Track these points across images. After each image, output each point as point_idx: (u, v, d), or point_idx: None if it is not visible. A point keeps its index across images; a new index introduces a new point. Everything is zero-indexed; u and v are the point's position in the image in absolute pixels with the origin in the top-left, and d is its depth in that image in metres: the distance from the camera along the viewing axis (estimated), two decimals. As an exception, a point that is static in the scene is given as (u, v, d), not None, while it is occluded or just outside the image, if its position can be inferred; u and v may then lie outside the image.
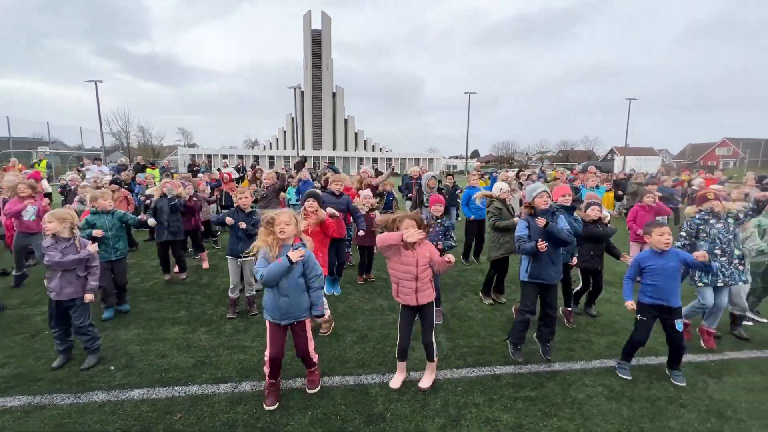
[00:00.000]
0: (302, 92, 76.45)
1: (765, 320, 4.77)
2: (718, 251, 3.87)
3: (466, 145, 51.36)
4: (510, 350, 3.72)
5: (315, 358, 3.16)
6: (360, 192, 5.90)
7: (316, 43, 76.71)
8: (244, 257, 4.25)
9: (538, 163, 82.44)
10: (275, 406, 2.93)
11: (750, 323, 4.66)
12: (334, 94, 78.99)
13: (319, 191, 4.52)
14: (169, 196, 5.53)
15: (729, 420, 2.91)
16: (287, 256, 2.75)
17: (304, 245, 2.90)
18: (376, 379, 3.35)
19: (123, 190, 7.50)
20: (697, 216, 4.03)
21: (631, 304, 3.39)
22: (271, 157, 68.12)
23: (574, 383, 3.34)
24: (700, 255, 3.23)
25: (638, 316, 3.42)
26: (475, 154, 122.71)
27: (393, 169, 12.06)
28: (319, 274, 2.96)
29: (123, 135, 53.23)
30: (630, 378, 3.40)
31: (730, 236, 3.91)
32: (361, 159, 71.55)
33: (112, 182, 7.36)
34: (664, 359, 3.60)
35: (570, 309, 4.59)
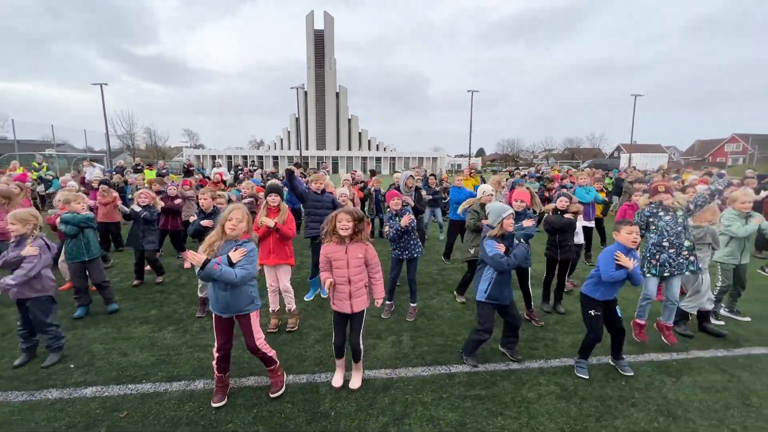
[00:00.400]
0: (306, 92, 76.72)
1: (747, 318, 4.69)
2: (666, 243, 3.88)
3: (469, 144, 50.88)
4: (464, 358, 3.64)
5: (271, 353, 3.09)
6: (337, 189, 5.89)
7: (319, 43, 76.92)
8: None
9: (543, 161, 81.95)
10: (221, 403, 2.95)
11: (722, 323, 4.59)
12: (337, 94, 79.16)
13: (280, 185, 4.53)
14: (139, 208, 5.53)
15: (678, 420, 2.87)
16: (228, 255, 2.77)
17: (248, 241, 2.91)
18: (330, 378, 3.35)
19: (114, 194, 7.39)
20: (647, 209, 4.08)
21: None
22: (275, 158, 68.55)
23: (528, 382, 3.32)
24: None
25: (592, 312, 3.40)
26: (481, 153, 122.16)
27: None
28: (248, 266, 2.83)
29: (127, 137, 53.89)
30: (587, 377, 3.37)
31: (679, 228, 3.89)
32: (364, 158, 71.70)
33: (101, 183, 7.41)
34: (632, 357, 3.59)
35: (532, 311, 4.57)
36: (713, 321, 4.60)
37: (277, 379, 3.13)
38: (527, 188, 4.59)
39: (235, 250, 2.82)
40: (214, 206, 4.68)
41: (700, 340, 4.14)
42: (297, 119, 76.47)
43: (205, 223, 4.49)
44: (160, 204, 5.97)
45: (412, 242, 4.57)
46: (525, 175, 12.80)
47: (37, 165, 14.86)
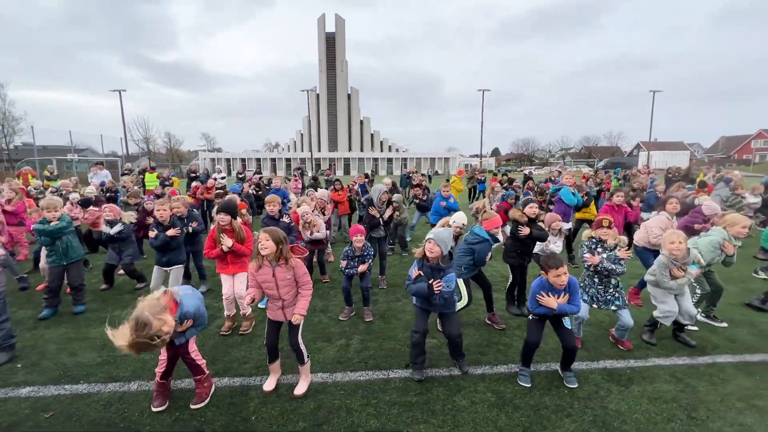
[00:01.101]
0: (317, 95, 77.40)
1: (724, 324, 4.43)
2: (596, 279, 3.82)
3: (480, 144, 50.32)
4: (411, 371, 3.44)
5: (201, 362, 3.07)
6: (299, 209, 5.70)
7: (330, 45, 77.50)
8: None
9: (559, 161, 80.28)
10: (162, 408, 2.93)
11: (695, 328, 4.34)
12: (349, 96, 79.56)
13: (231, 203, 4.40)
14: (109, 229, 5.34)
15: (611, 432, 2.71)
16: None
17: None
18: (264, 381, 3.32)
19: (93, 210, 7.00)
20: (586, 242, 3.96)
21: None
22: (288, 160, 69.38)
23: (465, 389, 3.21)
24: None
25: (530, 317, 3.28)
26: (496, 152, 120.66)
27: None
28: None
29: (143, 141, 55.64)
30: (529, 385, 3.24)
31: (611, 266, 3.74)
32: (376, 159, 71.82)
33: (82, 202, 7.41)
34: (584, 365, 3.45)
35: (494, 313, 4.43)
36: (689, 327, 4.37)
37: (202, 391, 3.07)
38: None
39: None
40: (172, 216, 4.72)
41: (665, 347, 3.92)
42: (309, 121, 77.30)
43: (171, 233, 4.54)
44: (130, 218, 5.65)
45: (365, 253, 4.62)
46: (513, 180, 12.26)
47: (49, 173, 15.36)
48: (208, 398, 3.07)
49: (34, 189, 11.65)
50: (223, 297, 4.28)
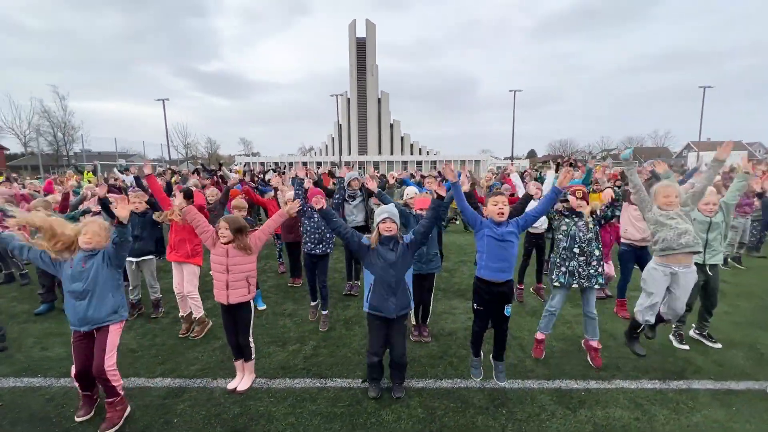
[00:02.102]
0: (348, 99, 78.63)
1: (718, 345, 3.98)
2: (576, 250, 3.47)
3: (512, 146, 48.95)
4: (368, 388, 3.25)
5: (117, 383, 2.84)
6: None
7: (361, 50, 78.49)
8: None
9: (600, 162, 76.18)
10: (86, 417, 2.91)
11: (686, 347, 3.93)
12: (379, 100, 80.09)
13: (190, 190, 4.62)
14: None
15: (535, 460, 2.49)
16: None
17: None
18: (203, 384, 3.36)
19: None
20: (555, 211, 3.68)
21: None
22: (319, 163, 70.82)
23: (396, 403, 3.07)
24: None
25: (475, 306, 3.18)
26: (532, 154, 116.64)
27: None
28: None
29: (182, 147, 58.99)
30: (479, 378, 3.20)
31: (591, 235, 3.47)
32: (405, 162, 71.66)
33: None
34: (537, 383, 3.24)
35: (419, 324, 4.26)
36: (677, 345, 3.97)
37: (114, 415, 2.81)
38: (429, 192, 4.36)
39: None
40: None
41: (638, 369, 3.56)
42: (340, 125, 78.62)
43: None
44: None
45: (327, 235, 4.50)
46: (497, 174, 12.02)
47: (86, 175, 16.65)
48: (121, 422, 2.83)
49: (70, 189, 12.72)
50: (175, 294, 4.39)
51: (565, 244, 3.53)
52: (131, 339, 4.24)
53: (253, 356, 3.34)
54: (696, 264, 3.60)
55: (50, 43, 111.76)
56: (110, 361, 2.83)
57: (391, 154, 78.72)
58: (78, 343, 2.89)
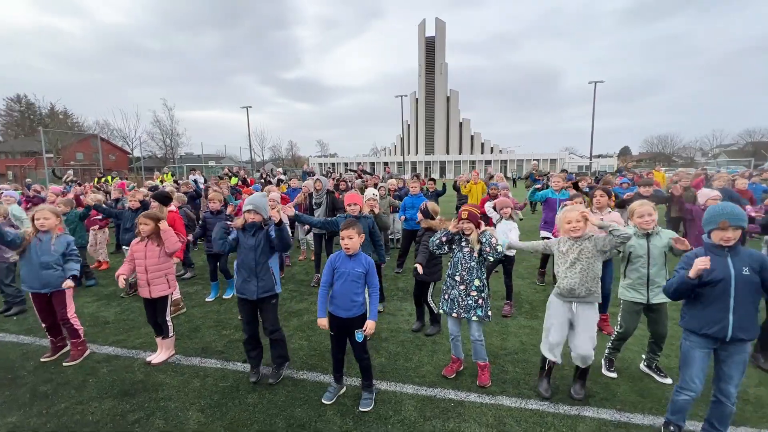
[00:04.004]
0: (417, 99, 78.73)
1: (668, 381, 3.40)
2: (458, 278, 3.27)
3: (591, 144, 44.42)
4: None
5: (79, 328, 3.84)
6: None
7: (430, 49, 77.98)
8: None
9: (711, 160, 65.29)
10: (50, 359, 3.82)
11: (613, 375, 3.46)
12: (448, 98, 78.83)
13: (162, 193, 5.30)
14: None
15: (347, 458, 2.52)
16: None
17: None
18: (134, 354, 3.95)
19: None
20: (442, 231, 3.36)
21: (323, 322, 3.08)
22: (386, 163, 72.22)
23: (267, 389, 3.29)
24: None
25: (331, 333, 3.11)
26: (625, 152, 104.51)
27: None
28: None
29: (260, 150, 64.83)
30: (328, 402, 3.09)
31: (473, 263, 3.21)
32: (473, 162, 69.54)
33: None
34: (414, 388, 3.20)
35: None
36: (604, 371, 3.52)
37: (76, 353, 3.81)
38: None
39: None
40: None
41: (536, 389, 3.26)
42: (408, 125, 79.01)
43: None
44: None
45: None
46: (492, 176, 10.98)
47: (165, 175, 19.45)
48: (81, 359, 3.82)
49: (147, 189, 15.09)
50: None
51: (449, 271, 3.34)
52: (111, 313, 5.09)
53: (171, 335, 3.83)
54: (639, 303, 3.27)
55: (164, 62, 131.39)
56: (70, 312, 3.82)
57: (460, 153, 77.00)
58: (39, 305, 3.82)
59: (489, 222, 5.16)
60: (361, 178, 12.58)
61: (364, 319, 3.02)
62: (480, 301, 3.22)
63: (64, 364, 3.76)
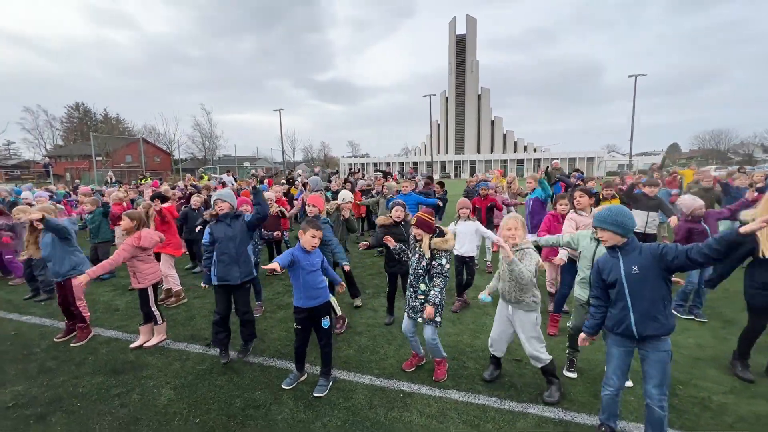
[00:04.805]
0: (447, 98, 77.90)
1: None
2: (411, 279, 3.41)
3: (630, 141, 42.11)
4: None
5: (86, 314, 4.37)
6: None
7: (461, 47, 76.89)
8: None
9: (770, 157, 59.66)
10: (63, 339, 4.34)
11: (573, 375, 3.44)
12: (479, 96, 77.40)
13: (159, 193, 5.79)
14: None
15: None
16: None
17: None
18: (131, 338, 4.37)
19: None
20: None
21: None
22: (414, 163, 72.14)
23: (235, 373, 3.57)
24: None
25: (295, 325, 3.32)
26: (674, 149, 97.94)
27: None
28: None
29: (290, 151, 66.85)
30: (288, 387, 3.31)
31: (420, 270, 3.29)
32: (504, 161, 67.88)
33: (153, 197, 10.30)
34: (370, 378, 3.38)
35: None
36: (564, 371, 3.51)
37: (82, 335, 4.33)
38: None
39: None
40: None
41: (495, 386, 3.32)
42: (438, 125, 78.41)
43: None
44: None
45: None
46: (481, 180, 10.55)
47: (201, 175, 20.61)
48: (86, 340, 4.31)
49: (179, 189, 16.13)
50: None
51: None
52: (123, 302, 5.61)
53: (160, 322, 4.19)
54: (584, 301, 3.32)
55: (205, 68, 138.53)
56: (80, 301, 4.30)
57: (491, 152, 75.40)
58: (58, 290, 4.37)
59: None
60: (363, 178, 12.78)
61: (329, 306, 3.29)
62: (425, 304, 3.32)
63: (71, 345, 4.25)
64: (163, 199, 5.68)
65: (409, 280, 3.43)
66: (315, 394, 3.19)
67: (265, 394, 3.25)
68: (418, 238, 3.32)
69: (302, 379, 3.44)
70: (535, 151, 72.75)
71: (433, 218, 3.29)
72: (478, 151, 75.86)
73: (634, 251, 2.38)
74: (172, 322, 4.77)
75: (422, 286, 3.29)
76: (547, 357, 3.06)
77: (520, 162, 66.86)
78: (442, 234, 3.24)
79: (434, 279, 3.21)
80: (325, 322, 3.22)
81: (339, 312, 4.40)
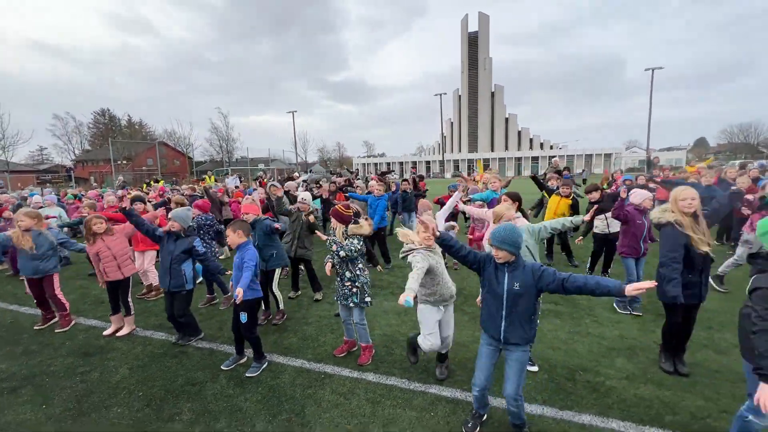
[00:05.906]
0: (459, 96, 77.43)
1: (535, 368, 3.60)
2: (337, 268, 3.76)
3: (647, 136, 40.96)
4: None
5: (65, 303, 4.91)
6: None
7: (473, 44, 76.23)
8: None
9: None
10: (40, 327, 4.91)
11: (534, 368, 3.67)
12: (492, 94, 76.56)
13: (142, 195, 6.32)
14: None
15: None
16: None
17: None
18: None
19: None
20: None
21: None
22: (428, 162, 72.16)
23: (189, 358, 4.02)
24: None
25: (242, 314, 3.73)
26: (701, 143, 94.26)
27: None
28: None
29: (302, 152, 68.05)
30: (226, 369, 3.73)
31: (336, 259, 3.68)
32: (518, 159, 67.00)
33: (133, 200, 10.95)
34: (309, 364, 3.81)
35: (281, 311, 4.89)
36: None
37: (64, 322, 4.87)
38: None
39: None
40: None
41: (421, 371, 3.64)
42: (451, 123, 77.99)
43: None
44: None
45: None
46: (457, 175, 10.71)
47: (207, 178, 21.50)
48: (68, 327, 4.86)
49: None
50: (138, 271, 6.11)
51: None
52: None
53: (132, 313, 4.70)
54: None
55: (223, 72, 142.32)
56: (57, 290, 4.83)
57: (506, 150, 74.50)
58: (32, 286, 4.88)
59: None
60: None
61: (249, 302, 3.63)
62: (354, 290, 3.67)
63: (56, 331, 4.80)
64: (140, 202, 6.26)
65: (335, 269, 3.77)
66: (246, 374, 3.60)
67: (205, 373, 3.69)
68: (333, 227, 3.74)
69: (241, 361, 3.85)
70: (551, 148, 71.36)
71: (349, 210, 3.73)
72: (492, 149, 75.08)
73: (519, 268, 2.52)
74: (147, 313, 5.28)
75: (347, 273, 3.66)
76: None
77: (535, 159, 65.82)
78: (356, 222, 3.66)
79: (355, 261, 3.65)
80: (243, 317, 3.62)
81: (281, 306, 4.84)
